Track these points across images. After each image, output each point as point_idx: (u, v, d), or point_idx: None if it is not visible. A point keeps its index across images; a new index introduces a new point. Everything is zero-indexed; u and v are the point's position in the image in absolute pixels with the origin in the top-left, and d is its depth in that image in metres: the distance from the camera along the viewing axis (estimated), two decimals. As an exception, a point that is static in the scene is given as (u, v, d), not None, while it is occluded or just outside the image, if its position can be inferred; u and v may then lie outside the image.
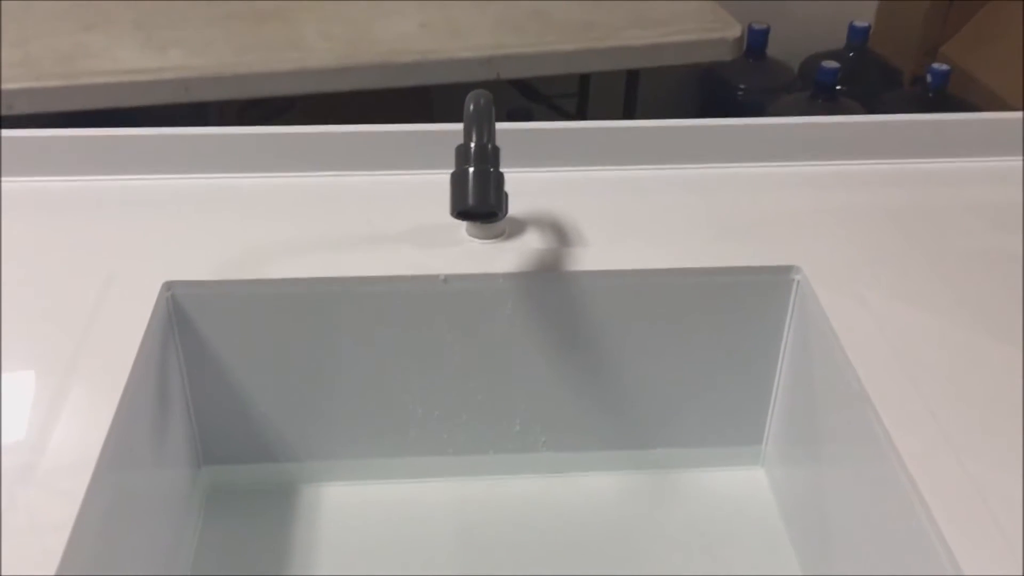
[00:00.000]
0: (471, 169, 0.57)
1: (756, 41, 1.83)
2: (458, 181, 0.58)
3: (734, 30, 1.42)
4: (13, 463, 0.51)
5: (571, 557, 0.68)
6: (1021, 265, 0.67)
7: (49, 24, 1.40)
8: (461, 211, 0.58)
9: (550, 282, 0.65)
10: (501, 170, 0.60)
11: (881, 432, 0.55)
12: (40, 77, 1.26)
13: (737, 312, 0.67)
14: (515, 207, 0.69)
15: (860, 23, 1.87)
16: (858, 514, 0.59)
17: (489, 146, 0.58)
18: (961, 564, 0.47)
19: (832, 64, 1.69)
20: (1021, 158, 0.78)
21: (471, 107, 0.59)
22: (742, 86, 1.83)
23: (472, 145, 0.58)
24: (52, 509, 0.49)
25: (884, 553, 0.55)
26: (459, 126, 0.62)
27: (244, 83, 1.31)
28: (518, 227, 0.69)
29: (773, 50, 1.86)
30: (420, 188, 0.73)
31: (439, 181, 0.67)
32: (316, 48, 1.34)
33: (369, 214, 0.70)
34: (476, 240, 0.67)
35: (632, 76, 1.62)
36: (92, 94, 1.27)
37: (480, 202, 0.57)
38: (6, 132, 0.71)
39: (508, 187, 0.62)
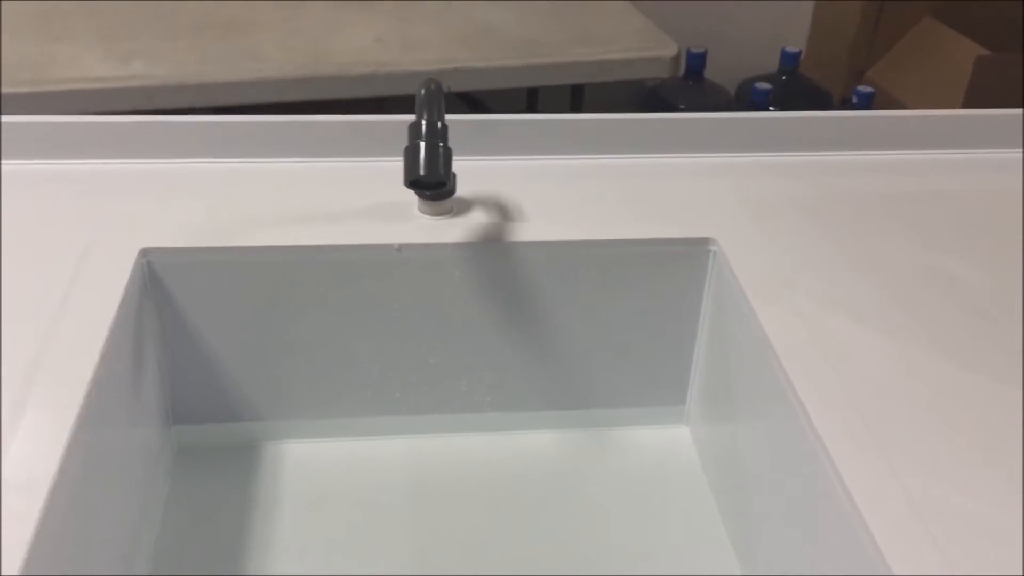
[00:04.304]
0: (422, 143, 0.65)
1: (695, 64, 1.93)
2: (410, 154, 0.65)
3: (671, 49, 1.52)
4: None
5: (513, 508, 0.74)
6: (910, 235, 0.75)
7: (16, 35, 1.45)
8: (413, 180, 0.65)
9: (493, 251, 0.72)
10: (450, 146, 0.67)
11: (789, 389, 0.61)
12: (9, 84, 1.32)
13: (660, 281, 0.74)
14: (462, 190, 0.76)
15: (792, 49, 1.98)
16: (771, 464, 0.65)
17: (439, 124, 0.66)
18: (859, 504, 0.52)
19: (765, 85, 1.80)
20: (911, 152, 0.87)
21: (423, 91, 0.67)
22: (682, 106, 1.93)
23: (423, 122, 0.65)
24: (30, 468, 0.52)
25: (794, 498, 0.61)
26: (412, 117, 0.69)
27: (205, 92, 1.37)
28: (465, 206, 0.76)
29: (711, 73, 1.97)
30: (376, 173, 0.80)
31: (393, 167, 0.74)
32: (275, 60, 1.41)
33: (329, 195, 0.77)
34: (427, 216, 0.74)
35: (577, 96, 1.70)
36: (59, 101, 1.32)
37: (430, 172, 0.64)
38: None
39: (458, 174, 0.68)
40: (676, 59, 1.52)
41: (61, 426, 0.54)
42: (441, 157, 0.65)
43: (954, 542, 0.51)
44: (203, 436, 0.76)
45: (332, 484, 0.75)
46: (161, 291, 0.70)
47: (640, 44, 1.53)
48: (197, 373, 0.74)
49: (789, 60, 1.96)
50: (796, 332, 0.65)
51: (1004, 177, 0.85)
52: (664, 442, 0.80)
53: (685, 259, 0.73)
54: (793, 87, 1.94)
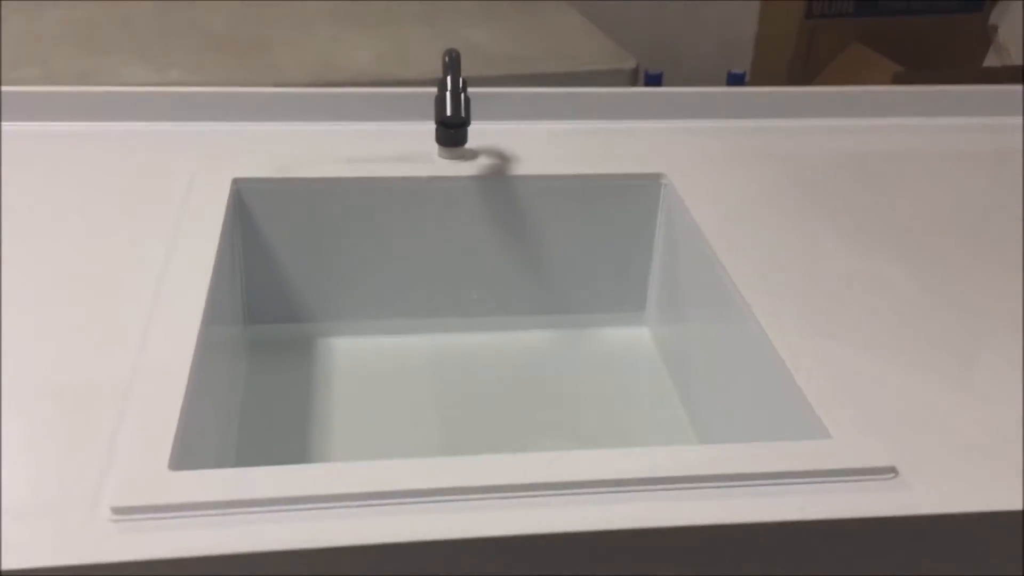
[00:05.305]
0: (448, 93, 0.88)
1: (652, 83, 2.19)
2: (439, 101, 0.88)
3: (630, 63, 1.76)
4: (144, 313, 0.72)
5: (510, 389, 0.96)
6: (837, 172, 0.99)
7: (63, 49, 1.67)
8: (440, 120, 0.88)
9: (497, 184, 0.95)
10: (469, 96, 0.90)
11: (731, 288, 0.80)
12: (63, 88, 1.53)
13: (623, 209, 0.97)
14: (470, 144, 0.99)
15: (737, 71, 2.25)
16: (716, 349, 0.86)
17: (460, 80, 0.89)
18: (793, 372, 0.69)
19: (713, 99, 2.04)
20: (840, 119, 1.12)
21: (447, 58, 0.90)
22: (640, 119, 2.17)
23: (448, 79, 0.88)
24: (169, 353, 0.67)
25: (735, 371, 0.81)
26: (433, 90, 0.92)
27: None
28: (473, 154, 0.99)
29: (666, 91, 2.22)
30: (408, 132, 1.02)
31: (420, 128, 0.97)
32: (291, 70, 1.64)
33: (371, 146, 0.99)
34: (445, 160, 0.97)
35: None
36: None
37: (455, 114, 0.87)
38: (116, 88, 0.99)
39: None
40: (635, 71, 1.77)
41: (191, 321, 0.71)
42: (462, 103, 0.88)
43: (875, 404, 0.68)
44: (271, 333, 0.98)
45: (372, 372, 0.96)
46: (244, 212, 0.92)
47: (604, 58, 1.77)
48: (267, 282, 0.96)
49: (735, 80, 2.23)
50: (737, 243, 0.86)
51: (911, 136, 1.10)
52: (628, 339, 1.02)
53: (643, 190, 0.97)
54: (739, 103, 2.20)
